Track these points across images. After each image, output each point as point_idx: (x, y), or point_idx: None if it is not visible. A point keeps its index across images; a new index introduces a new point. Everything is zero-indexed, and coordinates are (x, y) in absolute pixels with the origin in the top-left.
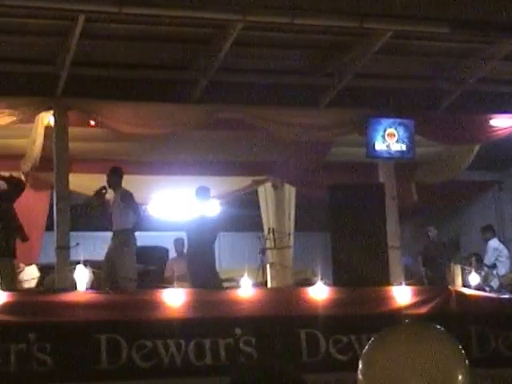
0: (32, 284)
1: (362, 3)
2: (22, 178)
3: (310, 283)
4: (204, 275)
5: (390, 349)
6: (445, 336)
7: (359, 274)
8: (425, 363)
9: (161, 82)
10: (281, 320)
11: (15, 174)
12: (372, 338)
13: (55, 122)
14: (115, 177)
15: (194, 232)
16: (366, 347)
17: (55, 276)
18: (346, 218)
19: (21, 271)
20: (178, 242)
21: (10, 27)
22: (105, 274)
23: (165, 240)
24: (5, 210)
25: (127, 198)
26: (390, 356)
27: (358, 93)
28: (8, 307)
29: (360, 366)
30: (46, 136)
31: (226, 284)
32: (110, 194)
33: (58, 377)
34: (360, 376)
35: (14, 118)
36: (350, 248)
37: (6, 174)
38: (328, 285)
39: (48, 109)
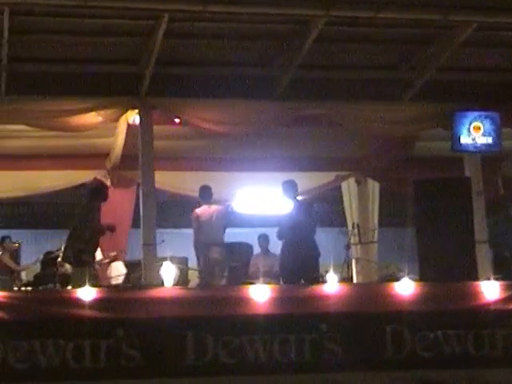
0: (119, 280)
1: None
2: (107, 177)
3: (395, 279)
4: (307, 269)
5: None
6: None
7: (446, 269)
8: None
9: (243, 79)
10: (366, 316)
11: (100, 172)
12: None
13: (140, 120)
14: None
15: (292, 225)
16: None
17: (142, 272)
18: (432, 212)
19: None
20: (262, 239)
21: (95, 28)
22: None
23: (249, 236)
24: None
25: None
26: None
27: (442, 86)
28: (97, 303)
29: None
30: (128, 134)
31: None
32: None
33: (146, 372)
34: None
35: (101, 118)
36: (437, 243)
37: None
38: (414, 280)
39: (133, 108)
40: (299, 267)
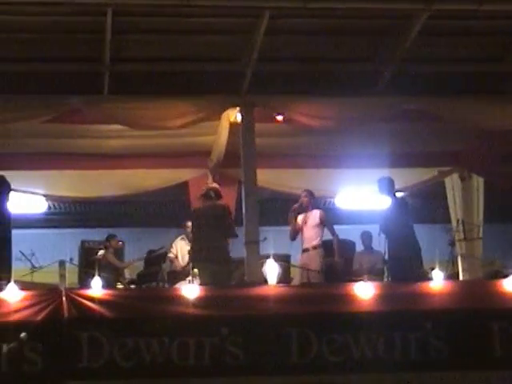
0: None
1: None
2: (209, 175)
3: (501, 275)
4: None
5: None
6: None
7: None
8: None
9: (345, 74)
10: (473, 313)
11: (201, 171)
12: None
13: (242, 118)
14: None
15: (387, 222)
16: None
17: (245, 270)
18: None
19: None
20: (365, 236)
21: (196, 27)
22: None
23: (351, 233)
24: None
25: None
26: None
27: None
28: (201, 301)
29: None
30: (230, 132)
31: None
32: None
33: (250, 370)
34: None
35: (202, 117)
36: None
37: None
38: None
39: (234, 106)
40: (400, 264)
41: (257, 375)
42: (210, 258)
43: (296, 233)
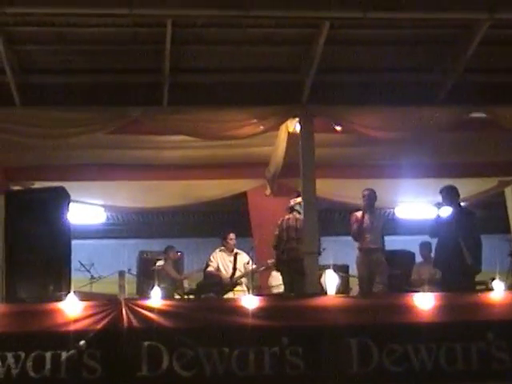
0: (281, 289)
1: None
2: (267, 186)
3: None
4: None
5: None
6: None
7: None
8: None
9: (405, 85)
10: None
11: (259, 181)
12: None
13: (301, 129)
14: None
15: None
16: None
17: (305, 281)
18: None
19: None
20: (424, 247)
21: (256, 38)
22: None
23: (411, 244)
24: None
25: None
26: None
27: None
28: (261, 312)
29: None
30: (289, 143)
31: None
32: None
33: (310, 380)
34: None
35: (261, 127)
36: None
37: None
38: None
39: (293, 116)
40: (449, 274)
41: None
42: (296, 270)
43: (361, 232)
